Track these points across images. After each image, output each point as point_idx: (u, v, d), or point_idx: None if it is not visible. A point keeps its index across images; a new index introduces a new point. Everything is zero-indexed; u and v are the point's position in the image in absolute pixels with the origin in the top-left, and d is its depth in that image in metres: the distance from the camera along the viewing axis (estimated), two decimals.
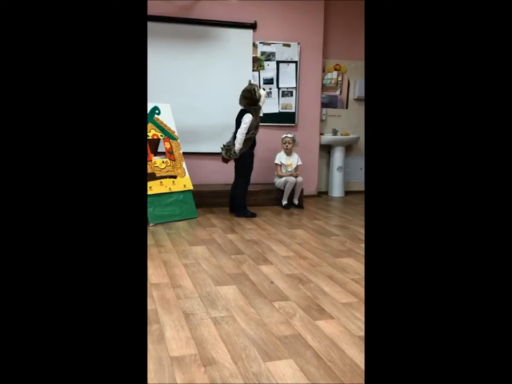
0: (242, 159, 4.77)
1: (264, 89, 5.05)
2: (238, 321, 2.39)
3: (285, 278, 3.06)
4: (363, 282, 2.99)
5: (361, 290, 2.86)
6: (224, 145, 4.80)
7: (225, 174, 5.51)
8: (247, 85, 4.79)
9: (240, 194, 4.87)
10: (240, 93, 4.76)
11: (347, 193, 6.37)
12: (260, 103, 4.72)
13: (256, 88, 4.71)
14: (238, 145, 4.67)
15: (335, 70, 6.22)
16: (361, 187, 6.52)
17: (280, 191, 5.41)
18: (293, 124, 5.89)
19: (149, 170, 4.50)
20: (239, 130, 4.66)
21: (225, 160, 4.86)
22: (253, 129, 4.68)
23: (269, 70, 5.73)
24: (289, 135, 5.36)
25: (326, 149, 6.31)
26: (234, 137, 4.77)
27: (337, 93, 6.31)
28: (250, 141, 4.73)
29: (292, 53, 5.76)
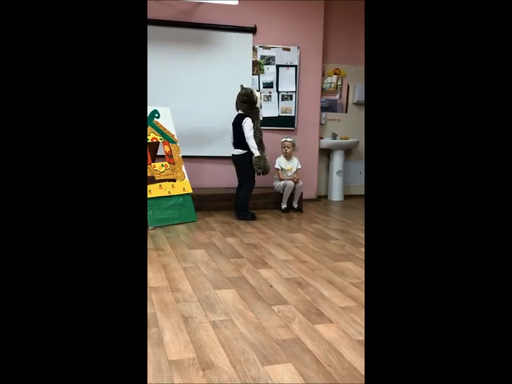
0: (246, 161, 4.79)
1: (258, 91, 5.06)
2: (236, 325, 2.39)
3: (284, 282, 3.05)
4: (362, 287, 2.99)
5: (360, 295, 2.85)
6: (256, 170, 4.76)
7: (224, 177, 5.52)
8: (241, 89, 4.81)
9: (245, 194, 4.89)
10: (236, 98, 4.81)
11: (346, 197, 6.37)
12: (257, 105, 4.79)
13: (252, 90, 4.76)
14: (254, 150, 4.71)
15: (335, 74, 6.23)
16: (361, 191, 6.52)
17: (280, 195, 5.40)
18: (293, 128, 5.90)
19: (148, 174, 4.49)
20: (247, 138, 4.69)
21: (266, 172, 4.82)
22: (257, 131, 4.75)
23: (269, 74, 5.74)
24: (288, 139, 5.36)
25: (326, 153, 6.31)
26: (235, 144, 4.81)
27: (337, 97, 6.32)
28: (260, 142, 4.78)
29: (292, 57, 5.77)
